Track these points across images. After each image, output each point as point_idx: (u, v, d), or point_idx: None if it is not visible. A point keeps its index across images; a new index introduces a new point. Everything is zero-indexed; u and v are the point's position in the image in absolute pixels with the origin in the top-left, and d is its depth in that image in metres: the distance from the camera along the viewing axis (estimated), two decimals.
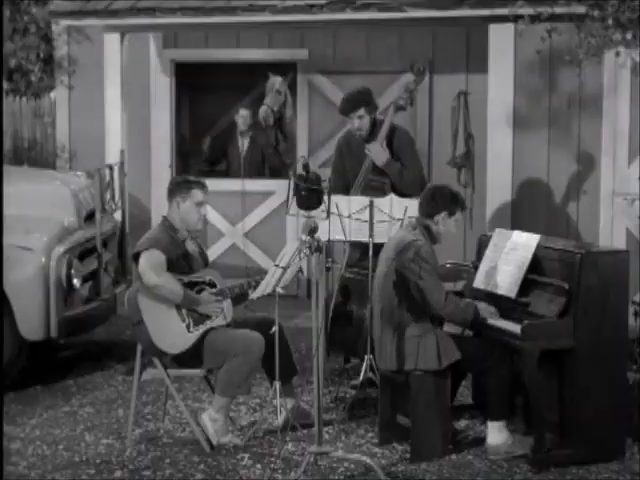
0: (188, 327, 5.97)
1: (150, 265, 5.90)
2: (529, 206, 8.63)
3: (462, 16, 8.36)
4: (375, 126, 7.08)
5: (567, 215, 8.66)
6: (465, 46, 9.36)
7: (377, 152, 7.00)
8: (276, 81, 10.31)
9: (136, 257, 6.00)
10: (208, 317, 6.04)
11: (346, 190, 7.07)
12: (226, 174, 10.57)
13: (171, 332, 5.94)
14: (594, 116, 8.49)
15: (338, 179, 7.16)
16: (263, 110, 10.25)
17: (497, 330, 5.80)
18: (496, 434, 5.78)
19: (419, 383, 5.79)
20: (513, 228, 6.66)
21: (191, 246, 6.21)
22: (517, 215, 8.55)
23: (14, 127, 10.35)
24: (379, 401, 6.12)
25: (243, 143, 10.35)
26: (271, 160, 10.52)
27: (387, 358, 5.89)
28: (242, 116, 10.45)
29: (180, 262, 6.06)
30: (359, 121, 7.04)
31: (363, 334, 6.67)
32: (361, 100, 7.04)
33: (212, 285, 6.11)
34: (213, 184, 9.83)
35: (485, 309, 5.89)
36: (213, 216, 9.85)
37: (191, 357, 5.98)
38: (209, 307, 6.02)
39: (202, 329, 5.99)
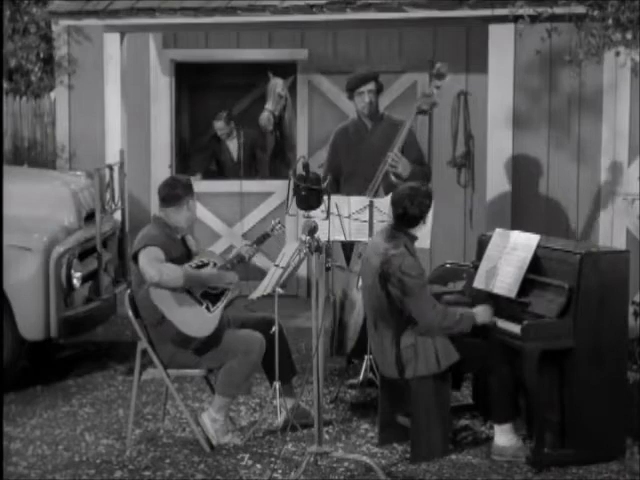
0: (208, 308, 5.95)
1: (150, 262, 5.88)
2: (529, 206, 8.62)
3: (462, 16, 8.37)
4: (381, 118, 7.10)
5: (567, 215, 8.66)
6: (465, 46, 9.36)
7: (404, 166, 6.91)
8: (277, 84, 10.28)
9: (135, 257, 6.00)
10: (221, 293, 6.02)
11: (336, 184, 7.02)
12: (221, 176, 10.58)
13: (194, 317, 5.90)
14: (594, 116, 8.49)
15: (328, 172, 7.12)
16: (265, 117, 10.24)
17: (497, 330, 5.80)
18: (502, 436, 5.76)
19: (419, 385, 5.77)
20: (513, 228, 6.66)
21: (190, 241, 6.21)
22: (517, 215, 8.55)
23: (14, 127, 10.33)
24: (379, 401, 6.12)
25: (233, 147, 10.40)
26: (263, 163, 10.56)
27: (388, 366, 5.86)
28: (219, 128, 10.51)
29: (182, 258, 6.04)
30: (370, 95, 7.03)
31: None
32: (371, 76, 7.10)
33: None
34: (211, 185, 9.91)
35: (482, 314, 5.86)
36: (210, 218, 9.85)
37: (215, 337, 5.94)
38: (219, 278, 6.00)
39: (221, 305, 5.98)
